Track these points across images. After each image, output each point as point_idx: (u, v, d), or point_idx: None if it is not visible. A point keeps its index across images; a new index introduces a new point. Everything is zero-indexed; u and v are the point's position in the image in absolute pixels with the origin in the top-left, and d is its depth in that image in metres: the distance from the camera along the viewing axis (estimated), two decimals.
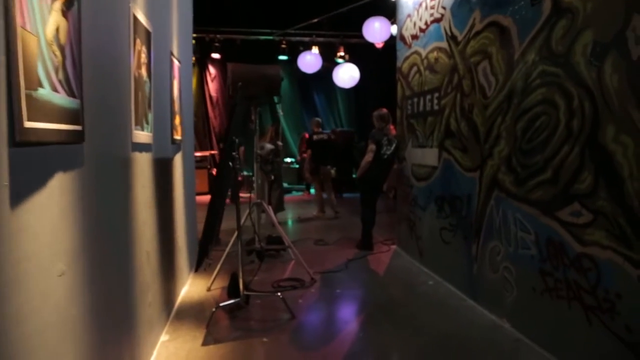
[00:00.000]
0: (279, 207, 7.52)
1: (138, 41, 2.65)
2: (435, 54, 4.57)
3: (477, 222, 3.74)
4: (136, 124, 2.61)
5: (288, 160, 12.75)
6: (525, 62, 3.05)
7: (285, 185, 12.20)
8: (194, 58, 11.76)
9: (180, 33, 4.37)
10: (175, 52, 4.06)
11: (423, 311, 3.79)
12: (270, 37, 11.80)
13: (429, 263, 4.82)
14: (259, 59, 12.73)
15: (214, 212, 3.52)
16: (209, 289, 4.28)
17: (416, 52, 5.10)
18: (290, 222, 7.96)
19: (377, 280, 4.76)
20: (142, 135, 2.77)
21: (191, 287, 4.34)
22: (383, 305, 3.95)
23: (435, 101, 4.56)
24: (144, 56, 2.82)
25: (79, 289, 1.68)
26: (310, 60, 10.97)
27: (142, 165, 2.80)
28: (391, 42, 7.90)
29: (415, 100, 5.11)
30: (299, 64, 11.08)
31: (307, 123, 13.42)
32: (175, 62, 4.08)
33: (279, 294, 3.85)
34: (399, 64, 5.68)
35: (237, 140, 5.29)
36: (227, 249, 4.51)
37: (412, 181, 5.23)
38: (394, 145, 5.65)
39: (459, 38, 4.02)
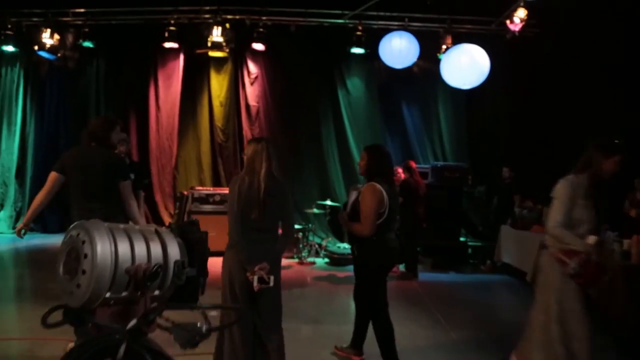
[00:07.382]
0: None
1: None
2: None
3: None
4: None
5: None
6: None
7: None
8: (227, 50, 8.04)
9: None
10: None
11: None
12: (341, 21, 7.87)
13: None
14: (323, 52, 8.68)
15: None
16: None
17: None
18: None
19: None
20: None
21: None
22: None
23: None
24: None
25: None
26: (399, 47, 6.63)
27: None
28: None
29: None
30: (381, 53, 6.82)
31: (392, 148, 8.51)
32: None
33: None
34: None
35: None
36: None
37: None
38: None
39: None
